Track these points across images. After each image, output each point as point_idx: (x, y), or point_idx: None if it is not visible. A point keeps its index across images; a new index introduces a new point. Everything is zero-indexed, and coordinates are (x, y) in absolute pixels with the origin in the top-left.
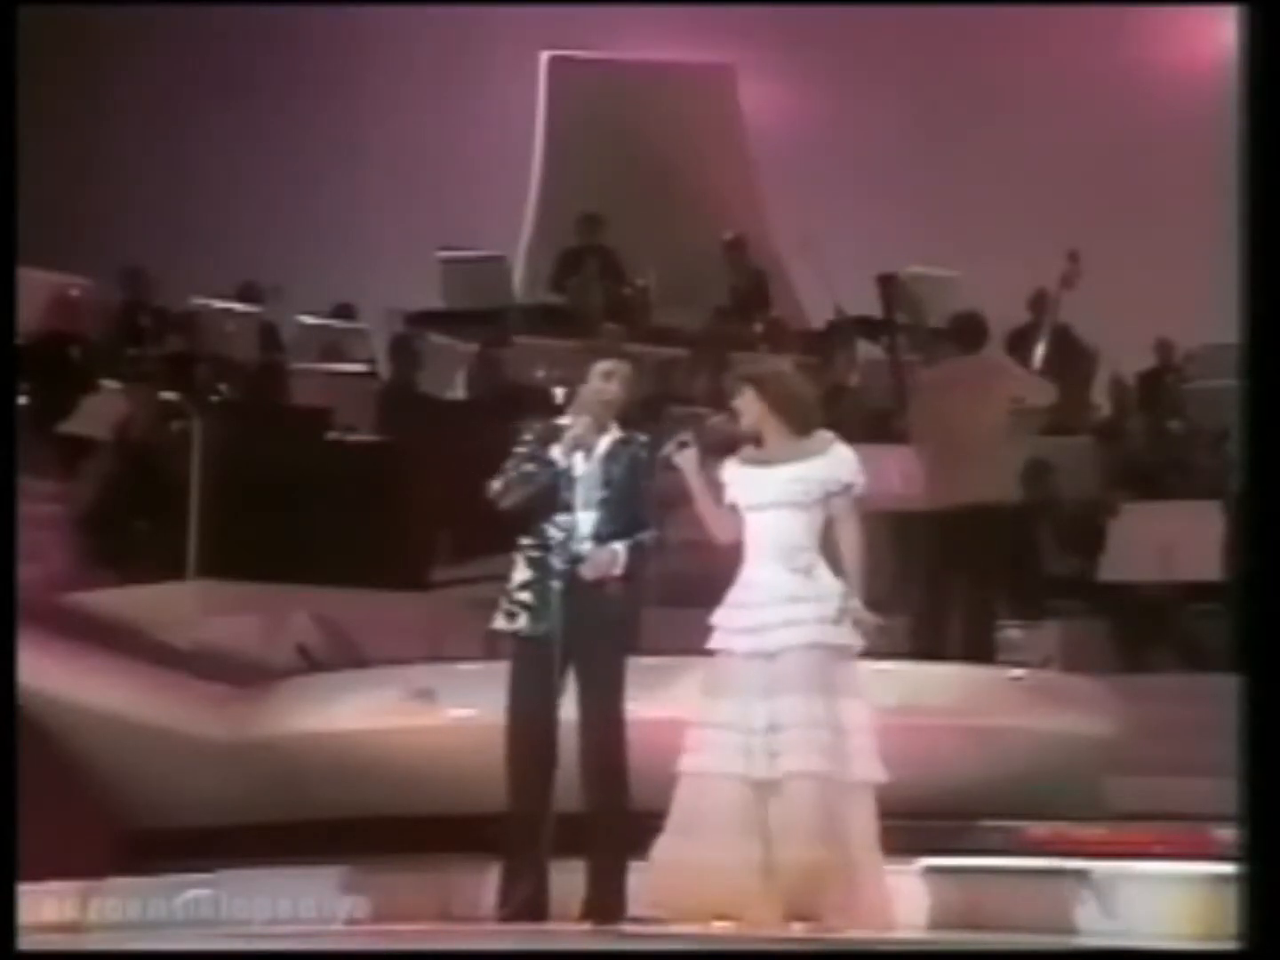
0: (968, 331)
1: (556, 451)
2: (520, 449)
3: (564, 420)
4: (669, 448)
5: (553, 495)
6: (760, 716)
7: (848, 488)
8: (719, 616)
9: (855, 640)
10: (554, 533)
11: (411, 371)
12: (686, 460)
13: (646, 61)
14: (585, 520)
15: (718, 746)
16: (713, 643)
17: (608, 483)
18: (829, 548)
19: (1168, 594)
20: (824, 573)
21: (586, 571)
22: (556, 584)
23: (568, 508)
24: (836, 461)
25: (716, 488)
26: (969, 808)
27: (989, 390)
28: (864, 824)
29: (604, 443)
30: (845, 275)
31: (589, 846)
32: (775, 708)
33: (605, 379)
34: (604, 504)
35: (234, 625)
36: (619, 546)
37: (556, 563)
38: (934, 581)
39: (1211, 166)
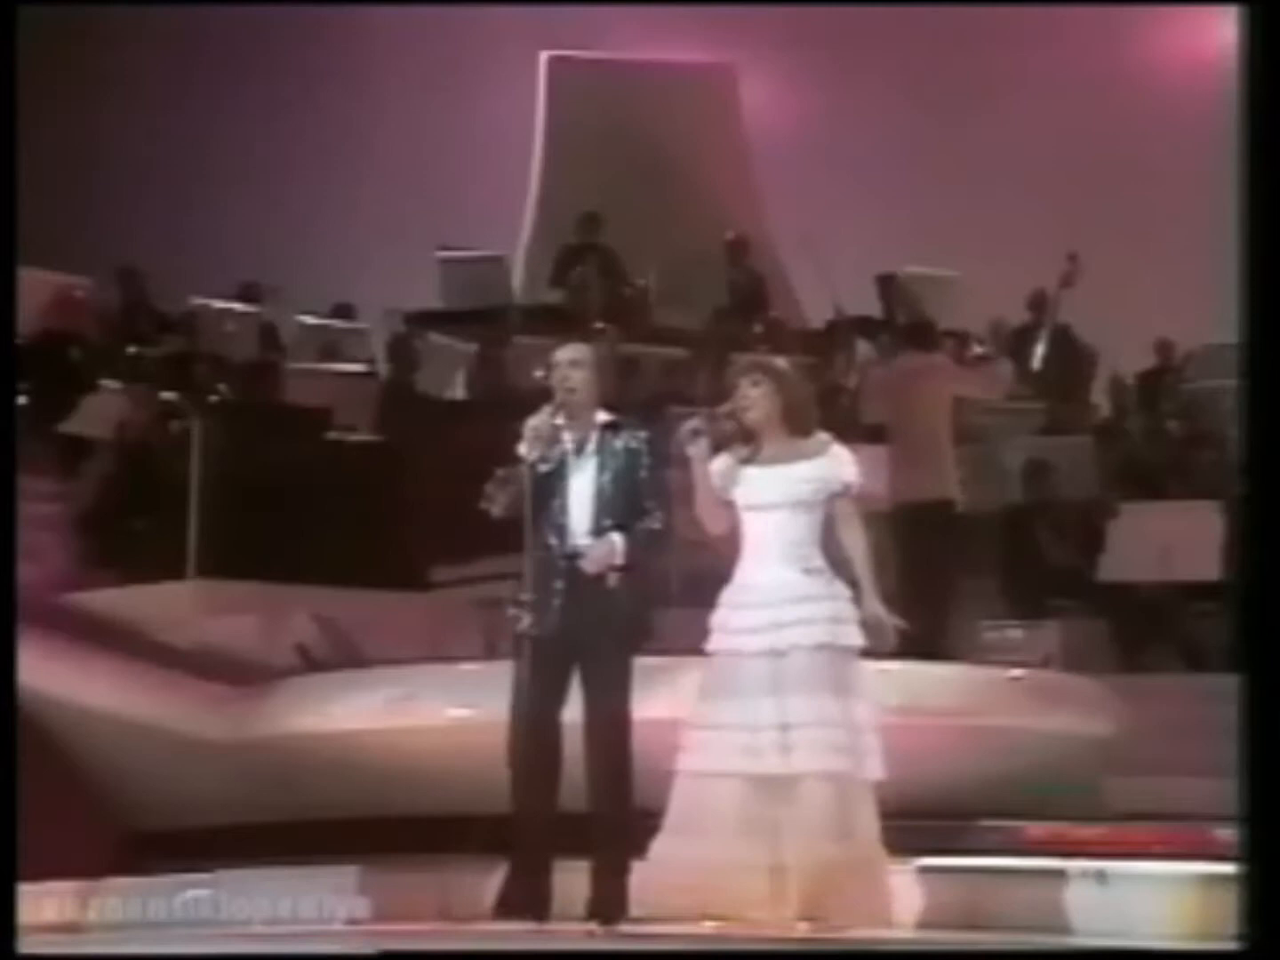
0: (917, 331)
1: (522, 448)
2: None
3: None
4: (682, 434)
5: (548, 492)
6: (769, 714)
7: (848, 487)
8: (719, 618)
9: (861, 640)
10: (551, 529)
11: (410, 371)
12: (699, 449)
13: (646, 61)
14: (581, 514)
15: (719, 746)
16: (713, 644)
17: (601, 473)
18: (829, 548)
19: (1167, 594)
20: (829, 573)
21: (587, 565)
22: (558, 582)
23: (563, 503)
24: (836, 462)
25: (709, 481)
26: (969, 807)
27: (926, 390)
28: (869, 822)
29: (592, 434)
30: (845, 275)
31: (593, 846)
32: (787, 705)
33: (571, 367)
34: (599, 495)
35: (233, 625)
36: (616, 537)
37: (556, 560)
38: (900, 580)
39: (1211, 167)
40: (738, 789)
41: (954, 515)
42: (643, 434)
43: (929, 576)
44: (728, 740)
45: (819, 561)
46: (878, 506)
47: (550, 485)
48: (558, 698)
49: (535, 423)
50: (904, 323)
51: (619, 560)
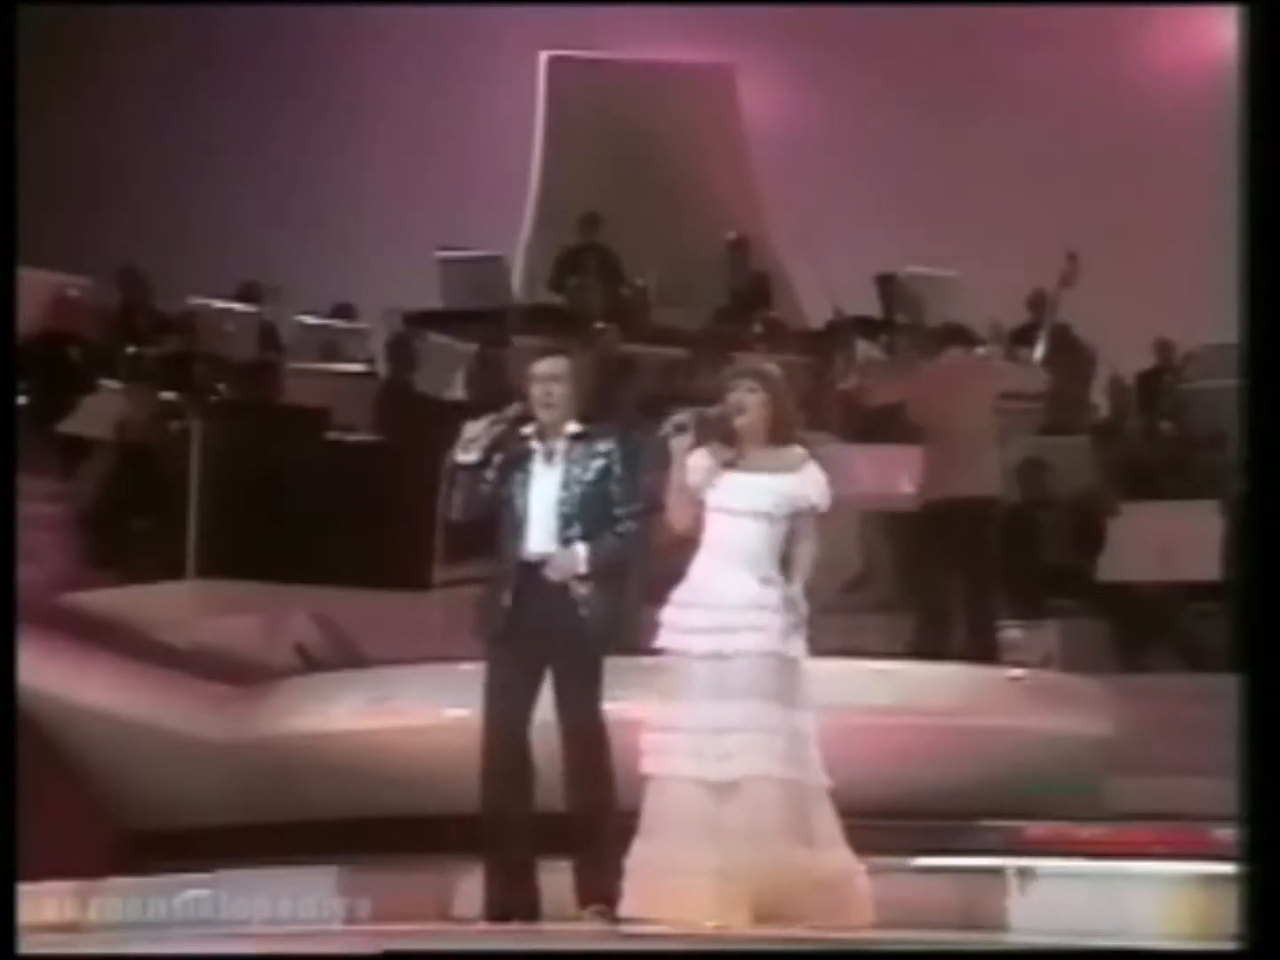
0: (959, 329)
1: (458, 453)
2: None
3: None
4: (666, 428)
5: (512, 500)
6: (710, 718)
7: (814, 508)
8: (668, 614)
9: (805, 652)
10: (512, 537)
11: (410, 371)
12: (679, 445)
13: (646, 61)
14: (546, 523)
15: (671, 749)
16: (660, 640)
17: (567, 483)
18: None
19: (1167, 594)
20: (785, 586)
21: (550, 574)
22: (513, 588)
23: (527, 512)
24: (809, 481)
25: (684, 477)
26: (969, 808)
27: (975, 387)
28: (827, 827)
29: (561, 442)
30: (845, 275)
31: (575, 847)
32: (727, 710)
33: (552, 381)
34: (564, 503)
35: (233, 625)
36: (580, 547)
37: (517, 567)
38: (929, 579)
39: (1211, 166)
40: (690, 792)
41: (994, 513)
42: (614, 444)
43: (965, 574)
44: (677, 743)
45: (774, 573)
46: (905, 506)
47: (516, 494)
48: (525, 702)
49: (474, 427)
50: (939, 323)
51: (582, 569)
